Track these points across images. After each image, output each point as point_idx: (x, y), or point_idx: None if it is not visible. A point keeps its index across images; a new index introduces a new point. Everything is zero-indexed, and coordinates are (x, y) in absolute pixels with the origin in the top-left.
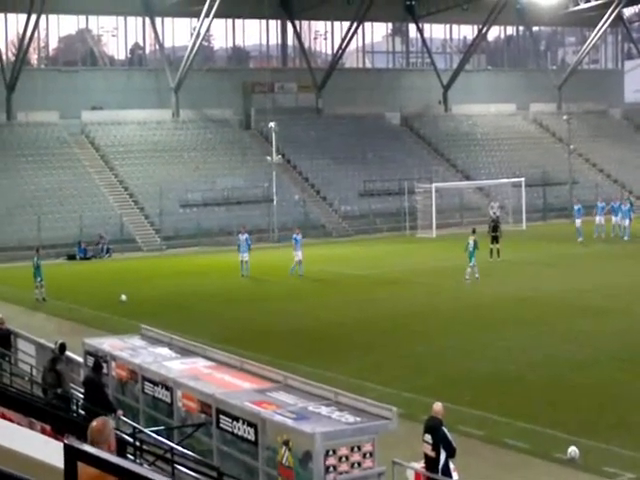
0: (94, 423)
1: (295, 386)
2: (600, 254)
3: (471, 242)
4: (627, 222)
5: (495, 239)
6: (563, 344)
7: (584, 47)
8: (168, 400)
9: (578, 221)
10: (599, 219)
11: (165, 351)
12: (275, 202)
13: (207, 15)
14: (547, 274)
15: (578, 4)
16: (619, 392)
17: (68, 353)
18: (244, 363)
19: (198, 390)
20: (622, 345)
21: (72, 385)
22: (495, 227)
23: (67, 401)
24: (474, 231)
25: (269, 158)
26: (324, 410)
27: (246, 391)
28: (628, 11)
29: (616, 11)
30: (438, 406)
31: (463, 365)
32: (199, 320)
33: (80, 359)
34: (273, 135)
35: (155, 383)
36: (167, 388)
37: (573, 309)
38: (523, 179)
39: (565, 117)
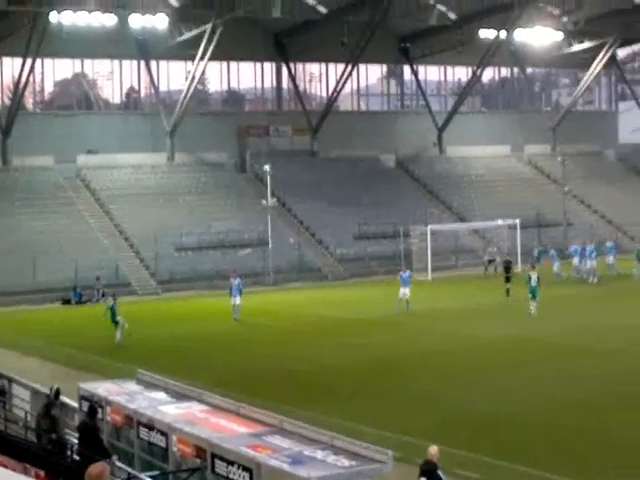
0: (92, 469)
1: (290, 430)
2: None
3: (534, 277)
4: (594, 263)
5: (508, 279)
6: (560, 385)
7: (578, 88)
8: (163, 445)
9: (556, 264)
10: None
11: (161, 395)
12: (270, 245)
13: (202, 58)
14: (543, 315)
15: (572, 46)
16: (617, 433)
17: (63, 398)
18: (240, 407)
19: (193, 435)
20: (619, 386)
21: (67, 430)
22: (508, 268)
23: (62, 446)
24: (534, 267)
25: (264, 201)
26: (319, 454)
27: (241, 435)
28: (621, 52)
29: (609, 53)
30: (433, 449)
31: (459, 407)
32: (195, 364)
33: (75, 404)
34: (268, 178)
35: (150, 428)
36: (162, 433)
37: (570, 350)
38: (518, 221)
39: (560, 158)
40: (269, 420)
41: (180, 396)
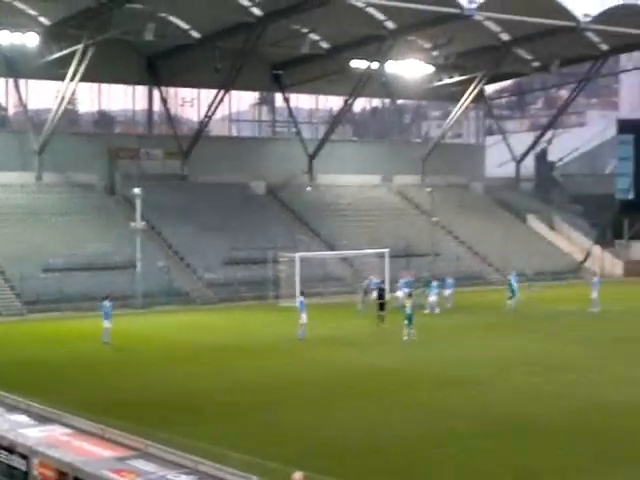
0: None
1: (155, 454)
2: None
3: (409, 305)
4: (434, 297)
5: (382, 306)
6: (425, 415)
7: (447, 121)
8: (24, 469)
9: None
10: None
11: (22, 418)
12: (139, 268)
13: (72, 78)
14: (412, 345)
15: (442, 79)
16: (482, 465)
17: None
18: (104, 430)
19: (55, 458)
20: (486, 416)
21: None
22: (381, 295)
23: None
24: (410, 295)
25: (133, 224)
26: (183, 479)
27: (105, 459)
28: (489, 88)
29: (478, 88)
30: (298, 475)
31: (325, 434)
32: (59, 387)
33: None
34: (138, 201)
35: (11, 451)
36: (23, 456)
37: (434, 380)
38: (387, 250)
39: (428, 189)
40: (133, 444)
41: (42, 419)
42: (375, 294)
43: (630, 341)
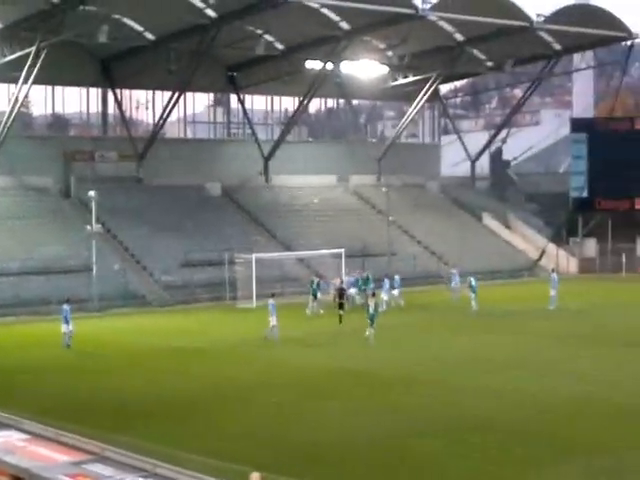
0: None
1: (112, 458)
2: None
3: (372, 304)
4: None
5: (341, 306)
6: (382, 415)
7: (402, 121)
8: None
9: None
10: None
11: None
12: (95, 271)
13: (26, 81)
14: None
15: (397, 79)
16: (440, 463)
17: None
18: (60, 435)
19: (11, 464)
20: (442, 415)
21: None
22: (341, 294)
23: None
24: (373, 294)
25: (89, 227)
26: None
27: (62, 464)
28: (444, 88)
29: (432, 87)
30: (255, 476)
31: (282, 435)
32: (15, 392)
33: None
34: (93, 204)
35: None
36: None
37: (390, 380)
38: (343, 250)
39: (384, 189)
40: (91, 448)
41: None
42: (332, 294)
43: (584, 338)
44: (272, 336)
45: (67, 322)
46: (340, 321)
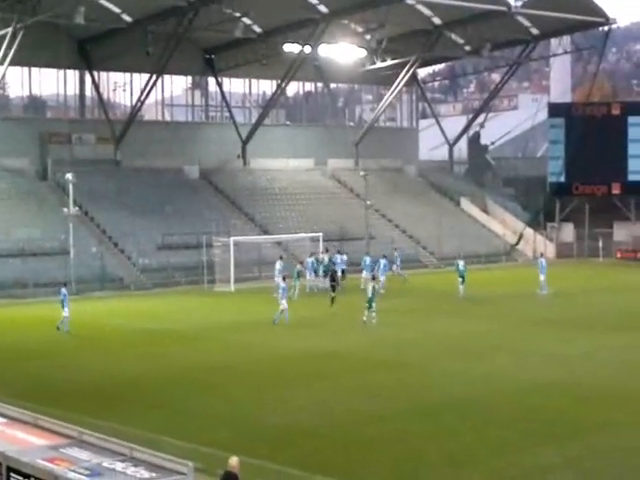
0: None
1: (90, 442)
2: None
3: (370, 287)
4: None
5: (333, 288)
6: (360, 398)
7: (380, 105)
8: None
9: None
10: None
11: None
12: (72, 254)
13: (2, 63)
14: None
15: (375, 63)
16: (417, 446)
17: None
18: (37, 419)
19: None
20: (420, 399)
21: None
22: (332, 276)
23: None
24: (374, 277)
25: (66, 210)
26: (119, 466)
27: (39, 448)
28: (422, 72)
29: (410, 71)
30: (234, 460)
31: (259, 419)
32: None
33: None
34: (70, 186)
35: None
36: None
37: (368, 363)
38: (321, 234)
39: (362, 173)
40: (67, 432)
41: None
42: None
43: (563, 322)
44: (282, 319)
45: (65, 306)
46: (332, 303)
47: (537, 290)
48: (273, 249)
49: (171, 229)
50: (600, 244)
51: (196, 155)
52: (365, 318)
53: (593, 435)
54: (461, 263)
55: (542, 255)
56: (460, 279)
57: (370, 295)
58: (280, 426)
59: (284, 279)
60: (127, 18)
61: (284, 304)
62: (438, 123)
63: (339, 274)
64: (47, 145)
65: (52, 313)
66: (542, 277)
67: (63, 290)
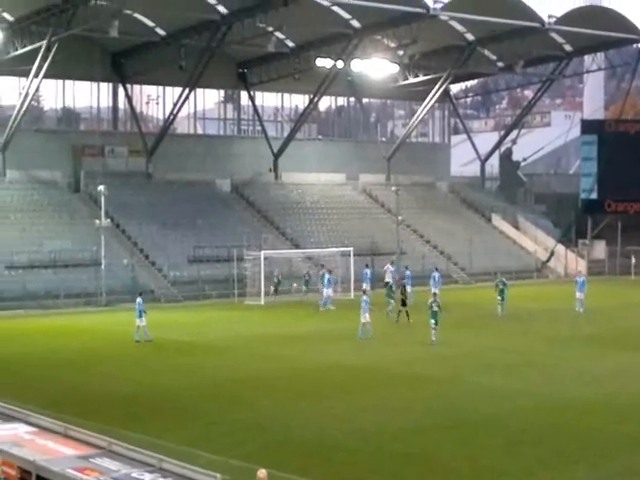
0: None
1: (119, 452)
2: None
3: (434, 303)
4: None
5: (403, 302)
6: (391, 412)
7: (412, 120)
8: None
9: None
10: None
11: None
12: (103, 266)
13: (36, 75)
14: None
15: (407, 79)
16: (448, 461)
17: None
18: (67, 429)
19: (18, 456)
20: (451, 414)
21: None
22: (403, 290)
23: None
24: (435, 293)
25: (98, 221)
26: (147, 477)
27: (69, 457)
28: (455, 87)
29: (443, 87)
30: (262, 473)
31: (288, 432)
32: (24, 385)
33: None
34: (102, 199)
35: None
36: None
37: (399, 378)
38: (352, 248)
39: (393, 188)
40: (97, 442)
41: (6, 417)
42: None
43: (595, 340)
44: (366, 333)
45: (141, 316)
46: (408, 318)
47: (576, 308)
48: (303, 263)
49: (202, 242)
50: (633, 261)
51: (228, 169)
52: (434, 338)
53: (627, 455)
54: (503, 281)
55: (581, 273)
56: (499, 298)
57: (435, 309)
58: (309, 439)
59: (364, 292)
60: (161, 32)
61: (366, 317)
62: (470, 139)
63: (408, 289)
64: (80, 157)
65: (82, 323)
66: (580, 295)
67: (139, 299)
